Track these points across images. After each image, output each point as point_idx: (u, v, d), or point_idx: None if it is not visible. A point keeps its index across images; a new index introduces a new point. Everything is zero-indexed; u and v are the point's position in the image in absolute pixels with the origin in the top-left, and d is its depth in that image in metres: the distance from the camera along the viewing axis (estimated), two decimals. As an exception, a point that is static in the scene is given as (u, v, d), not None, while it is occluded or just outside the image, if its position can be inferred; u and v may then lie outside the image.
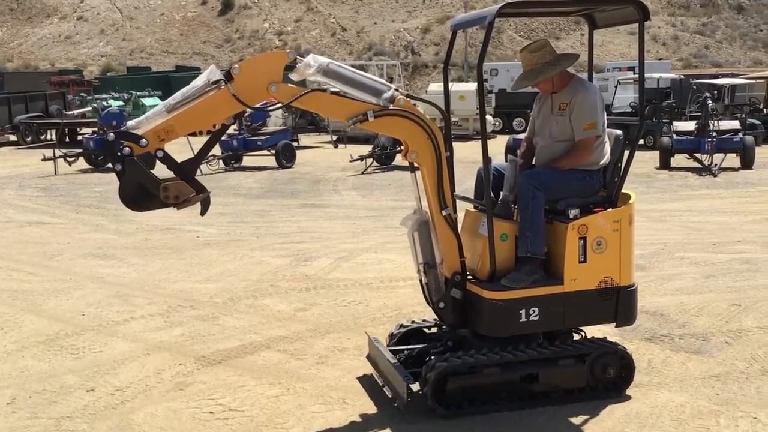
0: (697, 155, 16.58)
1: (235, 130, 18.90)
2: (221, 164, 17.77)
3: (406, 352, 5.03)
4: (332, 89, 4.32)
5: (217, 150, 18.11)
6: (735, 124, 17.63)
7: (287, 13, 67.71)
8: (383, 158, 17.56)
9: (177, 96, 4.20)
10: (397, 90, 4.39)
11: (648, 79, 24.50)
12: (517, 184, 4.63)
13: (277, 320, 6.48)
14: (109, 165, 4.39)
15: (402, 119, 4.36)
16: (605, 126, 4.80)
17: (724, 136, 16.50)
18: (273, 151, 18.19)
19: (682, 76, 27.28)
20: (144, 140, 4.04)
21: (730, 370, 5.21)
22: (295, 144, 19.19)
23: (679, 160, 16.98)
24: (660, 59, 49.41)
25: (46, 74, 41.94)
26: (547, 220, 4.63)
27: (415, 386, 4.49)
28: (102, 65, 59.52)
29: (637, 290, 4.80)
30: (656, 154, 17.44)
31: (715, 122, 16.40)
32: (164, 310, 6.77)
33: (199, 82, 4.21)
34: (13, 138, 26.47)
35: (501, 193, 4.77)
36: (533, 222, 4.53)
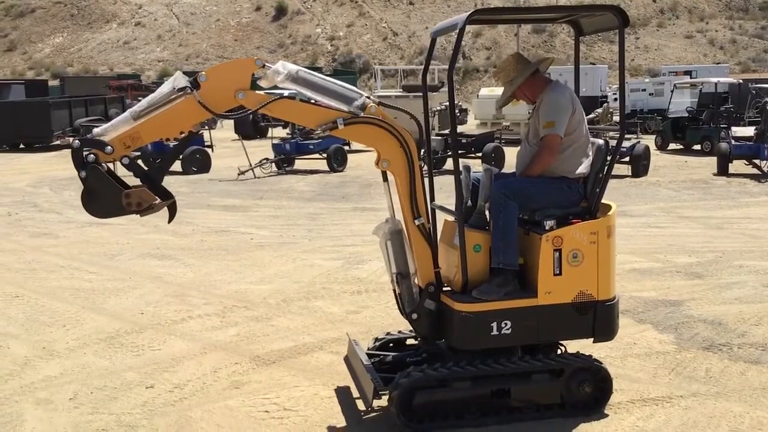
0: (756, 161, 16.22)
1: (288, 134, 19.13)
2: (274, 167, 17.99)
3: (380, 357, 4.91)
4: (302, 97, 4.28)
5: (270, 153, 18.38)
6: (796, 130, 17.15)
7: (339, 18, 68.18)
8: (434, 162, 17.52)
9: (143, 103, 4.20)
10: (368, 98, 4.33)
11: (706, 84, 24.07)
12: (490, 193, 4.52)
13: (329, 322, 6.55)
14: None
15: (373, 127, 4.30)
16: (584, 133, 4.60)
17: (784, 142, 16.09)
18: (324, 155, 18.34)
19: (741, 81, 26.65)
20: (109, 147, 4.08)
21: (791, 381, 5.09)
22: (346, 148, 19.30)
23: (737, 166, 16.59)
24: (718, 63, 48.36)
25: (105, 78, 43.06)
26: (524, 231, 4.50)
27: (384, 396, 4.41)
28: (159, 70, 60.91)
29: (618, 304, 4.59)
30: (714, 160, 17.08)
31: (775, 128, 16.01)
32: (220, 310, 6.91)
33: (165, 89, 4.18)
34: (73, 141, 27.23)
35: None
36: (504, 232, 4.39)
